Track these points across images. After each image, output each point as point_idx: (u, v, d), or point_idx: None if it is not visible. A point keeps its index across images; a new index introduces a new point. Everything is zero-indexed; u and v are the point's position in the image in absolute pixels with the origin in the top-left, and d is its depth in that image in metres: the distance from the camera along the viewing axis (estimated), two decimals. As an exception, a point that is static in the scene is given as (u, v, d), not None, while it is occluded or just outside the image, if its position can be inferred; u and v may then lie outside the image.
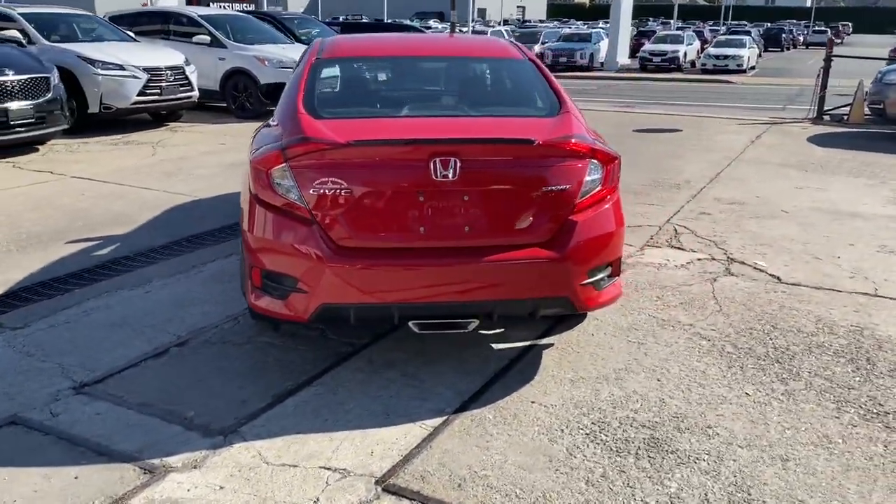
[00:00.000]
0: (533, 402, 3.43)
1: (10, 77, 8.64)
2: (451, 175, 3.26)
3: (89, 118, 10.64)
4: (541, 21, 64.57)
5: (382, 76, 4.43)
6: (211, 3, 22.06)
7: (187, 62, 11.67)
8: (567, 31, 34.73)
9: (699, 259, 5.53)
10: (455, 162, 3.26)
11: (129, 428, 3.18)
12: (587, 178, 3.46)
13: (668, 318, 4.41)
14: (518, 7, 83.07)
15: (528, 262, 3.33)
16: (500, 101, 4.27)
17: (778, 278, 5.13)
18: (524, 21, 66.04)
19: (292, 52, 12.82)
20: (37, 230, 6.02)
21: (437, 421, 3.26)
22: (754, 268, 5.34)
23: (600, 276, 3.55)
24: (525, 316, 3.62)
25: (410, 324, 3.40)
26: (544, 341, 4.08)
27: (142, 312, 4.37)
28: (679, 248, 5.80)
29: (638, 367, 3.79)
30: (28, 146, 9.44)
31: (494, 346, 4.01)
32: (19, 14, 11.14)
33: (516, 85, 4.27)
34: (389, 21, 31.15)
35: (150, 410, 3.32)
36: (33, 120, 8.85)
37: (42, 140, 9.65)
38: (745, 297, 4.76)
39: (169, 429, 3.18)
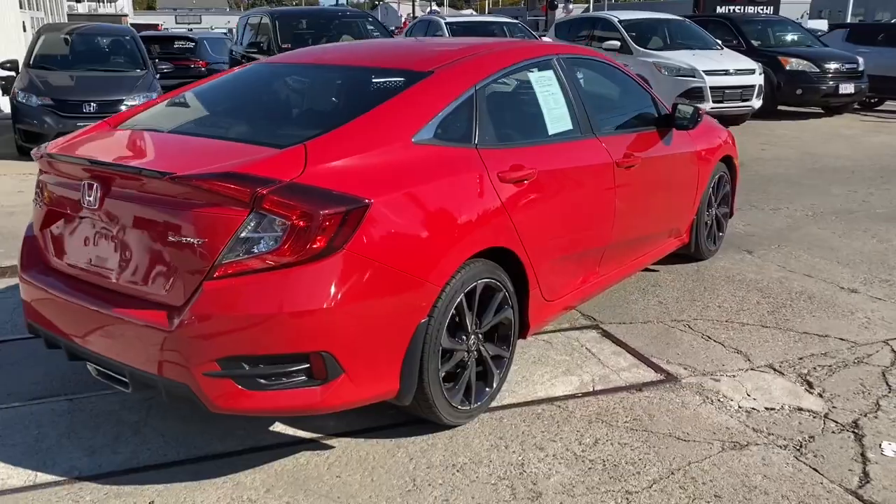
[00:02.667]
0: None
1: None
2: (94, 202, 2.79)
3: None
4: None
5: (255, 86, 3.77)
6: (721, 6, 20.90)
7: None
8: None
9: (802, 411, 3.35)
10: (97, 188, 2.77)
11: None
12: (242, 234, 2.52)
13: (536, 474, 2.87)
14: None
15: (142, 327, 2.62)
16: (293, 123, 3.28)
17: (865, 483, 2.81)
18: None
19: (706, 60, 11.59)
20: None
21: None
22: (865, 454, 3.01)
23: (255, 371, 2.56)
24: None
25: (88, 366, 3.01)
26: (332, 441, 3.11)
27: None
28: (806, 387, 3.59)
29: (338, 517, 2.62)
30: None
31: (280, 426, 3.22)
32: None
33: (344, 105, 3.23)
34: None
35: None
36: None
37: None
38: (742, 488, 2.76)
39: None
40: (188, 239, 2.56)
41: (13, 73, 10.17)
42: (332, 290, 2.56)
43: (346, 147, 2.79)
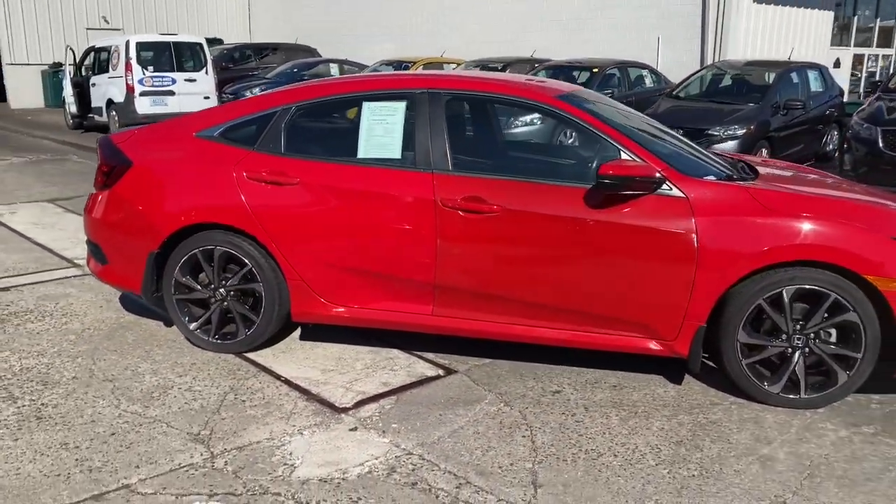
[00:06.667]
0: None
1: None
2: None
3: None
4: None
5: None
6: None
7: None
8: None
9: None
10: None
11: None
12: (98, 168, 4.53)
13: (125, 385, 3.90)
14: None
15: None
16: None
17: None
18: None
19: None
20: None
21: None
22: None
23: (91, 249, 4.50)
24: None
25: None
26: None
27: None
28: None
29: None
30: None
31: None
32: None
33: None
34: None
35: None
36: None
37: None
38: None
39: None
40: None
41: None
42: (102, 208, 4.32)
43: (157, 132, 4.39)
